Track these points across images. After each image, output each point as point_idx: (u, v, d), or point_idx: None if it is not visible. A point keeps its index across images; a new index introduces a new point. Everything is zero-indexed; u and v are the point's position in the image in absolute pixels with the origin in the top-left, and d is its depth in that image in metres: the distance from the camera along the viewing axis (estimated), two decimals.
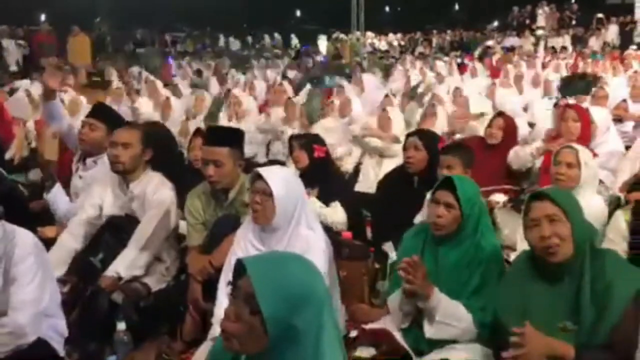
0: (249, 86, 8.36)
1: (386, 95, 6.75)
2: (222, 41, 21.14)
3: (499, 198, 3.93)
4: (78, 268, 3.02)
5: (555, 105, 5.82)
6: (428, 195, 2.77)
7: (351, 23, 18.41)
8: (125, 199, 3.18)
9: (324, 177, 3.71)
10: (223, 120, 6.01)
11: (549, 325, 2.00)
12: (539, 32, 18.35)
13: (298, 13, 31.03)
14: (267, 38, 21.61)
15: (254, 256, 1.49)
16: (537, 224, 2.08)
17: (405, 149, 3.65)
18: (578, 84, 7.30)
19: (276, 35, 21.75)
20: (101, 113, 3.66)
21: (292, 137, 4.01)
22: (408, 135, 3.76)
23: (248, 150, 5.91)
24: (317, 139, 3.93)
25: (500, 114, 4.54)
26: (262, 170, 2.57)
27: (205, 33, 23.74)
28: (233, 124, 5.94)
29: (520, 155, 4.28)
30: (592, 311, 1.99)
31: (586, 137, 4.03)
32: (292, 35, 22.01)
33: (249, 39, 22.63)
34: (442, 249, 2.45)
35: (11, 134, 5.33)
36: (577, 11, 20.19)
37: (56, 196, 3.48)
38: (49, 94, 3.63)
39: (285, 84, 7.34)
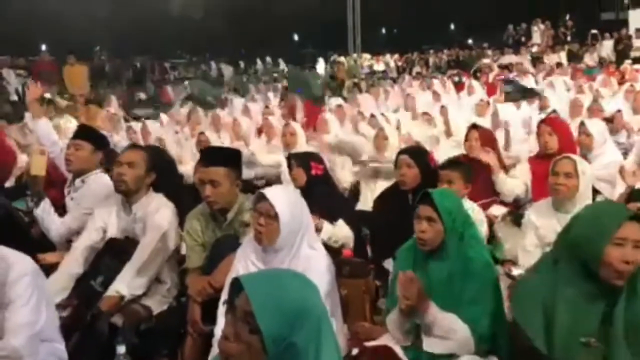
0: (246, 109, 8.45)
1: (381, 114, 6.82)
2: (214, 68, 21.33)
3: (498, 211, 3.94)
4: (78, 292, 3.01)
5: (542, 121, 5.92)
6: None
7: (348, 45, 18.62)
8: (128, 221, 3.19)
9: (322, 194, 3.69)
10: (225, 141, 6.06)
11: (573, 338, 1.94)
12: (534, 48, 18.52)
13: (295, 37, 31.39)
14: (259, 63, 21.81)
15: (250, 274, 1.48)
16: (625, 244, 1.93)
17: (397, 167, 3.68)
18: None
19: (268, 59, 21.96)
20: (85, 133, 3.75)
21: (290, 156, 4.03)
22: (399, 154, 3.77)
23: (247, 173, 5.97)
24: (315, 156, 3.96)
25: (473, 126, 4.51)
26: (266, 191, 2.56)
27: (204, 59, 23.97)
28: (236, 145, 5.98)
29: (496, 181, 4.14)
30: (623, 332, 1.91)
31: (569, 148, 3.97)
32: (280, 60, 22.14)
33: (242, 64, 22.87)
34: (431, 263, 2.45)
35: (10, 161, 5.40)
36: (572, 27, 20.43)
37: (44, 211, 3.51)
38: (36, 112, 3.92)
39: (277, 114, 7.34)
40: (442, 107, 6.58)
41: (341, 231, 3.57)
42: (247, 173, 5.74)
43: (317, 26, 26.36)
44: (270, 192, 2.55)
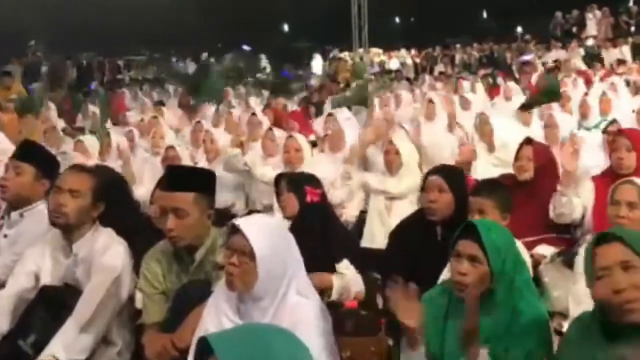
0: (225, 118, 8.48)
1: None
2: (178, 66, 21.51)
3: (546, 251, 3.99)
4: (2, 355, 2.98)
5: (604, 131, 5.89)
6: None
7: (352, 38, 18.78)
8: (67, 264, 3.19)
9: (319, 228, 3.69)
10: (187, 161, 6.07)
11: None
12: (590, 42, 18.69)
13: (286, 28, 31.68)
14: (227, 59, 21.87)
15: (222, 332, 1.47)
16: (608, 274, 2.07)
17: (425, 190, 3.67)
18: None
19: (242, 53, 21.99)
20: (29, 153, 3.68)
21: (280, 177, 4.03)
22: (428, 174, 3.77)
23: (223, 199, 5.85)
24: (311, 179, 3.95)
25: (528, 141, 4.55)
26: (240, 222, 2.55)
27: (168, 56, 24.12)
28: (204, 165, 6.00)
29: (560, 200, 4.21)
30: None
31: None
32: (262, 56, 22.23)
33: (211, 60, 23.00)
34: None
35: None
36: (637, 14, 20.65)
37: None
38: None
39: (260, 114, 7.42)
40: (482, 114, 6.64)
41: (353, 280, 3.55)
42: (224, 198, 5.82)
43: (314, 14, 26.65)
44: (244, 223, 2.54)
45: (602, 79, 11.40)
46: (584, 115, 8.07)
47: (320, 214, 3.80)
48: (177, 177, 3.08)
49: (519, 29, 24.14)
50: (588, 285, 2.16)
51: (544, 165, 4.44)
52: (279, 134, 6.17)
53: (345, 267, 3.59)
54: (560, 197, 4.18)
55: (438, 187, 3.60)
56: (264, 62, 21.64)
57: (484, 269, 2.43)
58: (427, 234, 3.60)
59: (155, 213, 3.64)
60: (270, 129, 6.35)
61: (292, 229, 3.19)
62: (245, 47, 21.31)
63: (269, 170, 5.61)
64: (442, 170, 3.77)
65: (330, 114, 7.44)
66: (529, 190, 4.37)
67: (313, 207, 3.80)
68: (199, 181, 3.06)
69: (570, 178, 4.18)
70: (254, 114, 7.50)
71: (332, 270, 3.61)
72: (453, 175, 3.71)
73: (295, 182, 3.89)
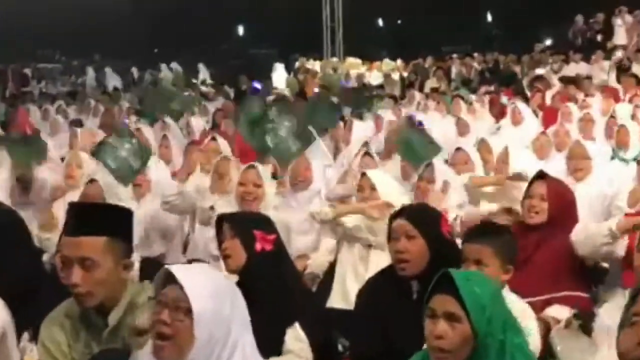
0: (159, 143, 8.46)
1: (366, 154, 6.92)
2: (90, 76, 21.57)
3: (559, 313, 4.01)
4: None
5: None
6: None
7: (323, 44, 18.91)
8: None
9: (271, 282, 3.67)
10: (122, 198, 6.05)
11: None
12: (618, 53, 19.00)
13: (240, 31, 31.83)
14: (164, 69, 21.82)
15: None
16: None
17: (391, 238, 3.71)
18: None
19: (175, 65, 22.12)
20: None
21: (221, 219, 3.96)
22: (392, 217, 3.80)
23: (154, 246, 5.86)
24: (261, 221, 3.94)
25: (541, 175, 4.63)
26: (176, 270, 2.56)
27: (91, 62, 24.13)
28: (132, 204, 5.97)
29: (591, 234, 4.32)
30: None
31: None
32: (200, 66, 22.22)
33: (134, 71, 23.08)
34: None
35: None
36: None
37: None
38: None
39: (220, 140, 7.46)
40: (482, 141, 6.67)
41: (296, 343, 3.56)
42: (156, 245, 5.82)
43: (276, 14, 26.78)
44: (182, 272, 2.54)
45: (631, 99, 11.60)
46: (622, 143, 8.00)
47: (272, 265, 3.77)
48: (83, 217, 3.04)
49: (531, 37, 24.52)
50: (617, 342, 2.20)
51: (560, 207, 4.49)
52: (234, 164, 6.15)
53: (293, 337, 3.56)
54: (602, 229, 4.24)
55: (405, 233, 3.62)
56: (203, 72, 21.65)
57: (465, 329, 2.46)
58: (400, 291, 3.61)
59: (60, 264, 3.58)
60: (225, 157, 6.33)
61: (239, 284, 3.16)
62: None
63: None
64: (408, 211, 3.80)
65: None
66: (539, 237, 4.42)
67: (263, 256, 3.74)
68: (112, 222, 3.03)
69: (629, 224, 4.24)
70: (194, 141, 7.50)
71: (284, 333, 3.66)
72: (422, 216, 3.74)
73: (241, 224, 3.84)
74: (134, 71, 24.05)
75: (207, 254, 5.75)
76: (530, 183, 4.64)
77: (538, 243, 4.38)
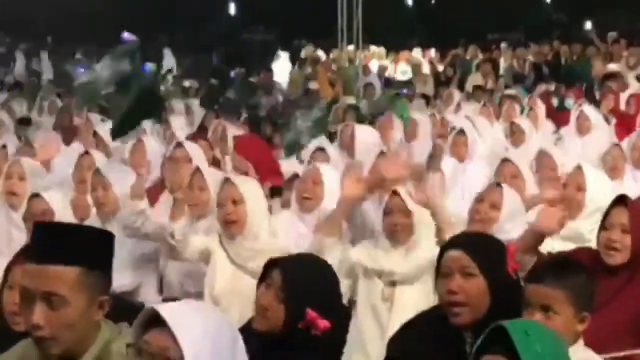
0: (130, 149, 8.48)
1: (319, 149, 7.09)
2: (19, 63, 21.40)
3: None
4: None
5: None
6: None
7: (338, 29, 18.93)
8: None
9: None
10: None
11: None
12: None
13: (231, 10, 31.90)
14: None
15: None
16: None
17: (442, 275, 3.70)
18: None
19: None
20: None
21: (274, 264, 3.91)
22: (445, 248, 3.81)
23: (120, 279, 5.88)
24: (325, 298, 3.88)
25: (621, 200, 4.61)
26: (164, 311, 2.57)
27: (44, 45, 24.17)
28: (94, 222, 6.01)
29: None
30: None
31: None
32: (166, 51, 22.06)
33: (79, 56, 22.73)
34: None
35: None
36: None
37: None
38: None
39: (188, 145, 7.43)
40: (543, 153, 6.64)
41: None
42: (123, 278, 5.79)
43: None
44: (171, 314, 2.56)
45: None
46: None
47: (308, 350, 3.71)
48: (52, 241, 3.01)
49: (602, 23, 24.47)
50: None
51: None
52: (214, 176, 6.11)
53: None
54: None
55: (461, 269, 3.65)
56: (169, 60, 21.44)
57: None
58: (451, 344, 3.62)
59: (14, 301, 3.61)
60: (197, 168, 6.31)
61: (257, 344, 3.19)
62: (127, 37, 20.87)
63: (198, 241, 5.61)
64: (468, 242, 3.82)
65: (320, 149, 7.50)
66: (621, 279, 4.46)
67: (302, 338, 3.69)
68: (88, 248, 3.01)
69: None
70: (179, 143, 7.46)
71: None
72: (486, 249, 3.77)
73: (296, 291, 3.75)
74: (79, 55, 23.38)
75: (184, 292, 5.79)
76: (608, 211, 4.61)
77: (618, 287, 4.40)
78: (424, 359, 3.69)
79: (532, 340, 2.53)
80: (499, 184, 5.65)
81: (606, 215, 4.49)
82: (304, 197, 6.01)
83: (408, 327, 3.93)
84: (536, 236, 4.57)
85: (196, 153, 7.08)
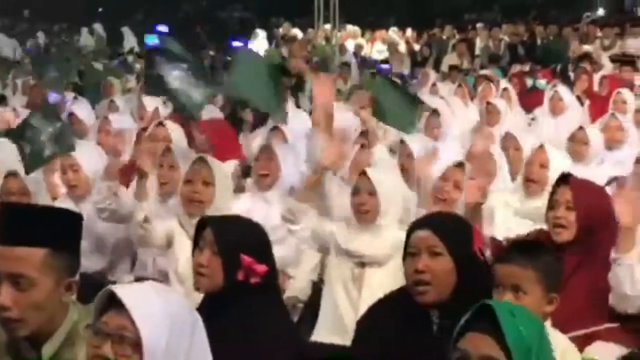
0: (100, 127, 8.43)
1: (362, 146, 7.00)
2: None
3: (604, 351, 4.10)
4: None
5: None
6: None
7: (314, 7, 18.91)
8: None
9: (243, 324, 3.68)
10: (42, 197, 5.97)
11: None
12: None
13: None
14: (84, 34, 21.42)
15: None
16: None
17: (409, 254, 3.68)
18: None
19: (97, 27, 20.89)
20: None
21: (204, 222, 3.92)
22: (413, 228, 3.78)
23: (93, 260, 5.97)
24: (255, 244, 3.89)
25: (564, 178, 4.66)
26: (121, 292, 2.55)
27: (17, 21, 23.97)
28: (64, 203, 5.97)
29: (616, 273, 4.33)
30: None
31: None
32: (125, 30, 21.83)
33: (39, 35, 22.51)
34: None
35: None
36: None
37: None
38: None
39: (169, 125, 7.40)
40: (509, 135, 6.71)
41: None
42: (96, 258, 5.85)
43: None
44: (129, 295, 2.53)
45: None
46: None
47: (252, 302, 3.73)
48: (18, 221, 3.01)
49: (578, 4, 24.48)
50: None
51: (594, 218, 4.56)
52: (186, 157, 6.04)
53: None
54: (617, 269, 4.28)
55: (428, 249, 3.64)
56: (129, 39, 21.16)
57: None
58: (417, 323, 3.63)
59: None
60: (167, 147, 6.30)
61: (204, 311, 3.12)
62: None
63: (161, 226, 5.57)
64: (435, 222, 3.82)
65: (276, 128, 7.48)
66: (575, 256, 4.46)
67: (244, 289, 3.69)
68: (56, 229, 3.01)
69: (628, 237, 4.27)
70: (160, 122, 7.40)
71: None
72: (453, 229, 3.77)
73: (228, 241, 3.77)
74: (40, 36, 23.21)
75: (156, 271, 5.81)
76: (553, 189, 4.67)
77: (575, 266, 4.40)
78: (392, 339, 3.67)
79: (517, 321, 2.55)
80: (461, 164, 5.55)
81: (552, 194, 4.56)
82: (260, 174, 5.92)
83: (375, 308, 3.93)
84: (470, 211, 4.76)
85: (176, 133, 6.97)
